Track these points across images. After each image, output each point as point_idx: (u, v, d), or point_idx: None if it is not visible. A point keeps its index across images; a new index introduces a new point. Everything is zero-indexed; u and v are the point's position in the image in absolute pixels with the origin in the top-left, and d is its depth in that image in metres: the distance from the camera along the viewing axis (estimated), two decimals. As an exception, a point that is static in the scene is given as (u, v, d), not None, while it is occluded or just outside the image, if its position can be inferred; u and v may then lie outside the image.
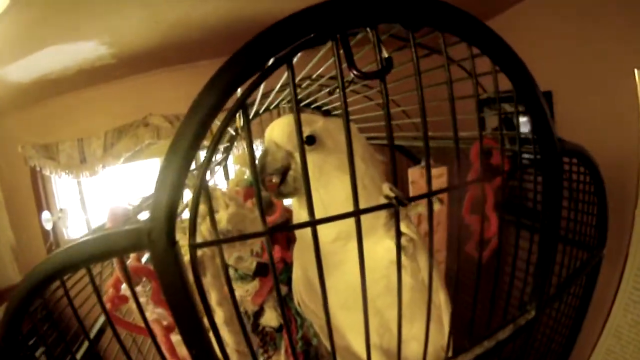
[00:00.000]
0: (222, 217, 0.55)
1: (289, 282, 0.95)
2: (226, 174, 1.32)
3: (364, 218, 0.42)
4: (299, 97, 1.24)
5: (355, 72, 0.40)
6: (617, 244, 1.40)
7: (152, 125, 2.67)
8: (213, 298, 0.53)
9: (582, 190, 0.94)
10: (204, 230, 0.49)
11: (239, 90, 0.37)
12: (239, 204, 0.57)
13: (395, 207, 0.44)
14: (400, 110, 1.21)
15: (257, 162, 0.57)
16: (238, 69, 0.35)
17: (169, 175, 0.35)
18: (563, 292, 0.82)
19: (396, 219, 0.44)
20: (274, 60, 0.37)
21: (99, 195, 2.93)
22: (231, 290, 0.42)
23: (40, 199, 3.15)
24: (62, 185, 3.06)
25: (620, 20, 1.40)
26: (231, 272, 0.86)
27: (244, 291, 0.91)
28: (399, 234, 0.45)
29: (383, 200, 0.46)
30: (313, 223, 0.40)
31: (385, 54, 0.43)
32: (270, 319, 0.88)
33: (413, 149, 1.53)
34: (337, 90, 1.24)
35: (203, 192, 0.37)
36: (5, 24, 1.45)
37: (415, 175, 1.19)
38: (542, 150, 0.52)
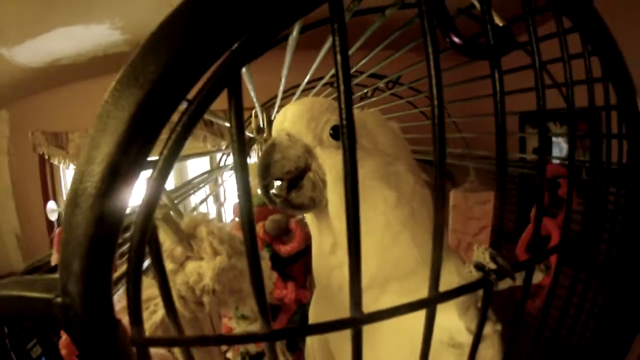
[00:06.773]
0: (205, 270, 0.36)
1: (302, 322, 0.80)
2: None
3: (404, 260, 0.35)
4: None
5: (455, 39, 0.23)
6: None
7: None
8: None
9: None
10: (155, 319, 0.31)
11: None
12: (235, 250, 0.37)
13: (490, 284, 0.26)
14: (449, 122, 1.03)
15: (259, 162, 0.45)
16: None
17: (86, 210, 0.17)
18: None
19: (485, 302, 0.26)
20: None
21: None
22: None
23: (47, 188, 3.05)
24: (70, 177, 2.98)
25: None
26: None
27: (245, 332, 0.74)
28: (483, 321, 0.27)
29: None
30: (355, 322, 0.22)
31: (498, 22, 0.26)
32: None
33: (454, 168, 1.34)
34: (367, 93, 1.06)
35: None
36: (11, 3, 1.35)
37: (457, 198, 1.01)
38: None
